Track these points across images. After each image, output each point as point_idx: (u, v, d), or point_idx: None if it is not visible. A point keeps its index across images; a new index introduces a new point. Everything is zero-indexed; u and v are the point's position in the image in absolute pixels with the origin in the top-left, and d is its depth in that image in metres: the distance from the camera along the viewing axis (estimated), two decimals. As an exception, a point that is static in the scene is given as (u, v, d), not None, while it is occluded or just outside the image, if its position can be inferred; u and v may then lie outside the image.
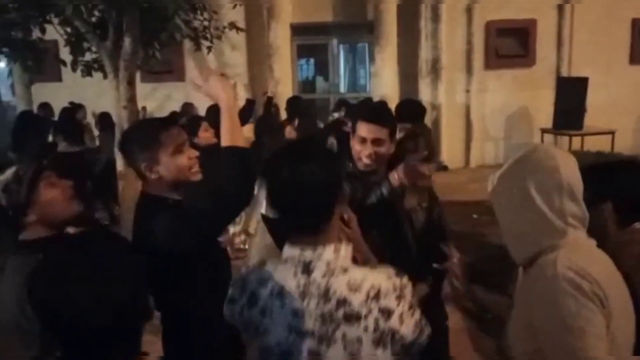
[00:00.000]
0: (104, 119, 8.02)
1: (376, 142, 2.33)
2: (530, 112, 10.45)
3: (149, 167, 2.02)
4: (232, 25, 7.17)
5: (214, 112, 3.98)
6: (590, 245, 1.56)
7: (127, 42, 5.24)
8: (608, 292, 1.43)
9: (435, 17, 10.04)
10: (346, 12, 10.20)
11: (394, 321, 1.39)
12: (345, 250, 1.48)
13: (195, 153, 2.12)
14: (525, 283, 1.59)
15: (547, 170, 1.53)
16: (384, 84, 9.83)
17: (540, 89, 10.27)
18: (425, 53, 10.21)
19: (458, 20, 10.20)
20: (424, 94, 10.05)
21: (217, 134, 2.47)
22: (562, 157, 1.57)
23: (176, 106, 8.81)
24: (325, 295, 1.42)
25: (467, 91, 10.30)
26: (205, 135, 4.90)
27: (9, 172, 1.88)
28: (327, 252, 1.45)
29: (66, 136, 7.66)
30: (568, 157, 1.58)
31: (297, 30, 10.21)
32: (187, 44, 7.43)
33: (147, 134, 2.06)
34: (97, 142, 8.02)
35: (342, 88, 11.60)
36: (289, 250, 1.48)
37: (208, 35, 6.98)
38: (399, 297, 1.40)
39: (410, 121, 3.72)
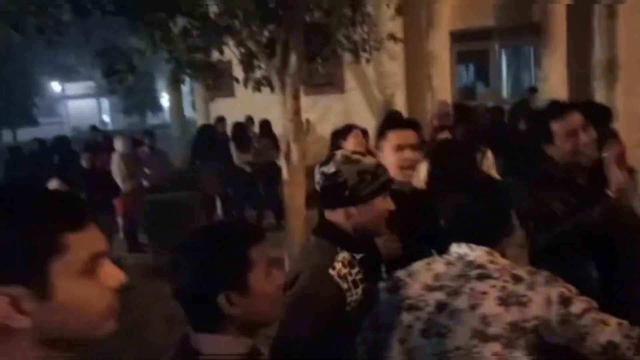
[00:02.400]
0: (264, 127, 8.63)
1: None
2: None
3: None
4: (391, 37, 7.29)
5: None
6: None
7: (293, 58, 5.60)
8: None
9: (611, 14, 9.19)
10: (510, 15, 9.77)
11: (521, 286, 1.47)
12: (501, 257, 1.65)
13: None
14: None
15: None
16: (552, 88, 9.23)
17: None
18: (599, 53, 9.40)
19: (637, 16, 9.23)
20: (599, 98, 9.24)
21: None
22: None
23: (337, 118, 9.15)
24: (467, 263, 1.62)
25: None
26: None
27: None
28: (480, 249, 1.64)
29: (238, 146, 8.40)
30: None
31: (457, 36, 10.03)
32: (347, 57, 7.70)
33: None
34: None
35: (504, 93, 11.14)
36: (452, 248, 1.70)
37: (367, 47, 7.18)
38: (531, 273, 1.53)
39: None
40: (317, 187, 1.86)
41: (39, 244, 0.81)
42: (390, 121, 2.62)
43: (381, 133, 2.43)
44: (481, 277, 1.54)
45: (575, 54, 9.34)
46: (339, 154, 1.85)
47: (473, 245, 1.64)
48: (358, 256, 1.79)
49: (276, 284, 1.31)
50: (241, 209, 8.58)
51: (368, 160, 1.82)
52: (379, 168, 1.83)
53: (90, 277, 0.86)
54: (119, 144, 7.83)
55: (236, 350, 1.25)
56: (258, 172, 8.45)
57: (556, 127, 2.22)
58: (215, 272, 1.22)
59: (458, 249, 1.67)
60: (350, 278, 1.72)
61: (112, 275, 0.89)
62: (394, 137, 2.35)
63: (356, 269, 1.77)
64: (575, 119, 2.22)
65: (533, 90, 9.52)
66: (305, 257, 1.86)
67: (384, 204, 1.81)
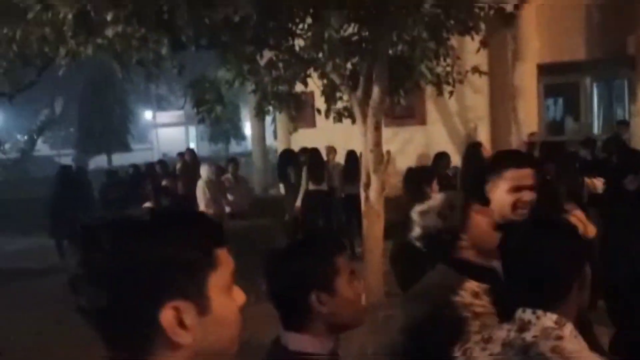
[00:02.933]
0: (350, 157, 8.64)
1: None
2: None
3: None
4: (475, 70, 7.19)
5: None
6: None
7: (375, 91, 5.65)
8: None
9: None
10: (602, 48, 9.40)
11: None
12: (571, 330, 1.40)
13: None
14: None
15: None
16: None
17: None
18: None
19: None
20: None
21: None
22: None
23: (417, 150, 9.08)
24: (525, 350, 1.38)
25: None
26: None
27: (438, 198, 2.07)
28: (548, 319, 1.40)
29: (310, 174, 8.41)
30: None
31: (545, 69, 9.75)
32: (429, 89, 7.67)
33: None
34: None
35: (595, 128, 10.63)
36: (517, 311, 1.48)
37: (450, 80, 7.12)
38: None
39: None
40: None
41: (200, 258, 0.86)
42: (508, 158, 2.40)
43: (495, 170, 2.27)
44: None
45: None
46: None
47: (539, 312, 1.42)
48: (483, 286, 1.80)
49: (358, 291, 1.47)
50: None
51: None
52: None
53: (231, 293, 0.91)
54: (204, 171, 8.15)
55: (319, 350, 1.40)
56: (338, 201, 8.49)
57: None
58: (308, 274, 1.42)
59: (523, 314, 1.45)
60: (472, 308, 1.74)
61: (238, 292, 0.94)
62: (511, 177, 2.20)
63: (482, 301, 1.77)
64: None
65: (623, 123, 9.06)
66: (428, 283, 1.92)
67: None
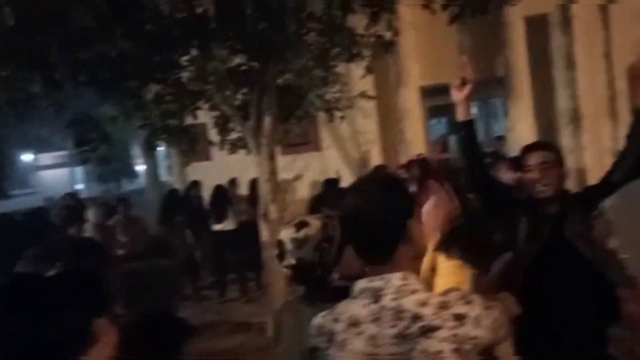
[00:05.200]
0: (252, 186, 8.38)
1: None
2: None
3: None
4: (363, 95, 7.44)
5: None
6: None
7: (267, 120, 5.64)
8: None
9: (570, 65, 9.61)
10: (476, 70, 10.06)
11: (468, 326, 1.34)
12: (415, 278, 1.45)
13: None
14: None
15: None
16: (521, 138, 9.48)
17: None
18: (562, 103, 9.75)
19: (596, 67, 9.66)
20: (565, 144, 9.51)
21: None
22: None
23: (315, 176, 9.17)
24: (397, 315, 1.39)
25: (615, 138, 9.56)
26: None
27: (315, 227, 1.93)
28: (395, 279, 1.43)
29: (214, 215, 8.13)
30: None
31: (427, 92, 10.30)
32: (322, 115, 7.81)
33: None
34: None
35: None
36: (359, 284, 1.48)
37: (340, 106, 7.30)
38: (468, 302, 1.37)
39: None
40: None
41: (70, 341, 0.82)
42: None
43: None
44: (426, 332, 1.35)
45: (540, 104, 9.66)
46: None
47: (386, 276, 1.44)
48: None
49: None
50: (223, 273, 8.36)
51: None
52: None
53: None
54: (91, 214, 7.68)
55: None
56: (238, 234, 8.30)
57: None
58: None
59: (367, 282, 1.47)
60: None
61: None
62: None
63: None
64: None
65: (501, 138, 9.79)
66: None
67: None
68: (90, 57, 4.18)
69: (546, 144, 2.83)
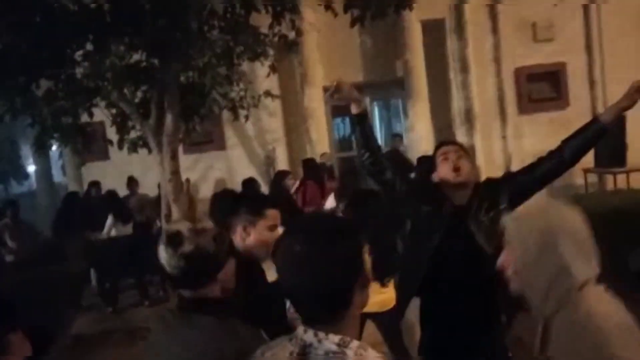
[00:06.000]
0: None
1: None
2: (571, 153, 10.29)
3: None
4: (267, 94, 7.43)
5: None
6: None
7: (168, 119, 5.49)
8: None
9: (464, 68, 10.20)
10: (377, 71, 10.43)
11: None
12: (355, 347, 1.25)
13: None
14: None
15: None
16: (419, 137, 9.92)
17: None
18: (457, 104, 10.32)
19: (487, 70, 10.32)
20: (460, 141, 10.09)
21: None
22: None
23: (219, 175, 9.02)
24: None
25: (504, 137, 10.27)
26: None
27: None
28: (329, 342, 1.25)
29: (116, 219, 7.67)
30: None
31: (331, 92, 10.46)
32: (226, 114, 7.70)
33: None
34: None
35: (379, 142, 11.69)
36: (300, 328, 1.32)
37: (245, 105, 7.24)
38: None
39: None
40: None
41: None
42: (265, 199, 2.94)
43: (257, 211, 2.54)
44: None
45: (437, 105, 10.16)
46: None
47: (321, 334, 1.26)
48: None
49: None
50: (116, 279, 7.83)
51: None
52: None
53: None
54: (-26, 219, 7.11)
55: None
56: (138, 236, 7.95)
57: None
58: None
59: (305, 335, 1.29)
60: None
61: None
62: (271, 216, 2.45)
63: None
64: None
65: (397, 136, 10.18)
66: None
67: None
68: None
69: (456, 142, 3.09)
